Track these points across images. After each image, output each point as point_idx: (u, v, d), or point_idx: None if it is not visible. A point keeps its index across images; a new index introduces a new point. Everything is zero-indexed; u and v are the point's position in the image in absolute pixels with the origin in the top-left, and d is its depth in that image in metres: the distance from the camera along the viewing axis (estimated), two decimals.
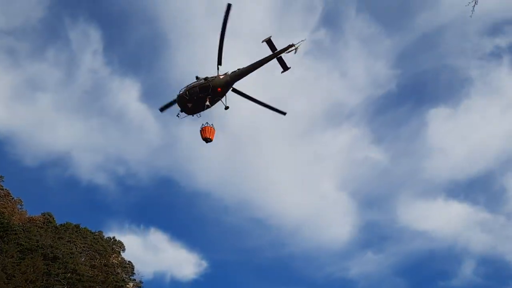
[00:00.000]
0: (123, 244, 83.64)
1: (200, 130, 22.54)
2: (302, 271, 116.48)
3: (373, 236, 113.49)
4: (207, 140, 22.37)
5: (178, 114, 23.16)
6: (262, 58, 21.69)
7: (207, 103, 21.76)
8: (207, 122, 22.47)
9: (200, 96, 21.70)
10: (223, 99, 22.65)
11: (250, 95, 23.31)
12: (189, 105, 22.00)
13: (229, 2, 21.14)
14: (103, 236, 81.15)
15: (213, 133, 22.21)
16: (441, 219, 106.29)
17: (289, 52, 21.48)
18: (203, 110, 22.36)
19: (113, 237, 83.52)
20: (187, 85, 22.20)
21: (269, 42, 21.41)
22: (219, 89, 21.54)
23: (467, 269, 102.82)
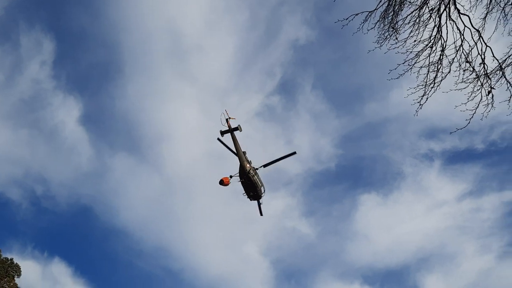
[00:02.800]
0: (20, 268, 76.23)
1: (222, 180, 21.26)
2: None
3: None
4: (222, 183, 21.09)
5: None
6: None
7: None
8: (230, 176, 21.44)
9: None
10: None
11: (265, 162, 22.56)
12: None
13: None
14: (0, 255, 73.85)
15: (228, 180, 21.13)
16: None
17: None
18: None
19: (11, 259, 76.05)
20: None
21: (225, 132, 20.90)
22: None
23: None
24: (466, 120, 11.84)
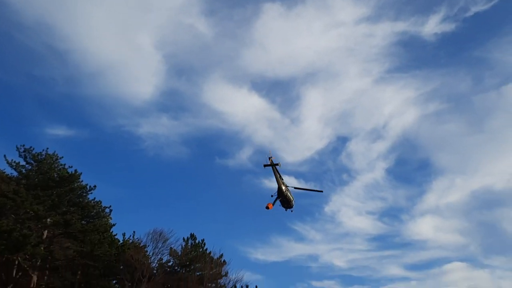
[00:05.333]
0: None
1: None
2: (92, 116, 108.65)
3: (173, 103, 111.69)
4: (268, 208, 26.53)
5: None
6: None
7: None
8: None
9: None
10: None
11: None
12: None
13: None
14: None
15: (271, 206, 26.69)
16: (240, 107, 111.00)
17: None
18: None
19: None
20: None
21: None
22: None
23: (244, 155, 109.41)
24: None
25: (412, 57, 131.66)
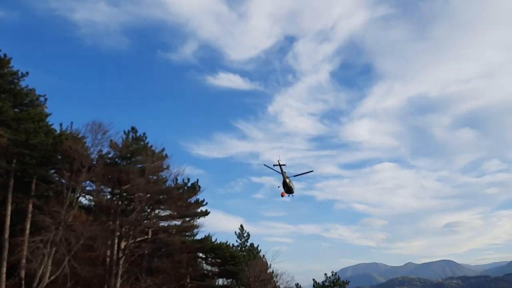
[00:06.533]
0: None
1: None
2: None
3: None
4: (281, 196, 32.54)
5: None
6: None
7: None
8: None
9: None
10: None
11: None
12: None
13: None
14: None
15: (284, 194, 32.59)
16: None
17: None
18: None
19: None
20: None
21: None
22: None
23: (188, 50, 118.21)
24: None
25: None
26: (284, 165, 33.09)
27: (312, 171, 36.57)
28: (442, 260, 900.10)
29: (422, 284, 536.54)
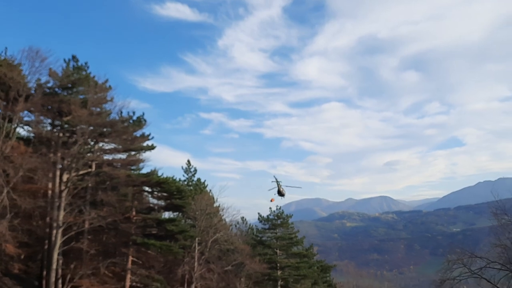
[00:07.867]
0: None
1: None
2: None
3: None
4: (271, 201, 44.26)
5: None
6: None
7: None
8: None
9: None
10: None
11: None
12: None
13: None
14: None
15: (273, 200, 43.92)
16: None
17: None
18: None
19: None
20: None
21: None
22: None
23: None
24: None
25: None
26: (280, 181, 42.08)
27: (300, 187, 50.85)
28: (380, 196, 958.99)
29: (360, 218, 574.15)
